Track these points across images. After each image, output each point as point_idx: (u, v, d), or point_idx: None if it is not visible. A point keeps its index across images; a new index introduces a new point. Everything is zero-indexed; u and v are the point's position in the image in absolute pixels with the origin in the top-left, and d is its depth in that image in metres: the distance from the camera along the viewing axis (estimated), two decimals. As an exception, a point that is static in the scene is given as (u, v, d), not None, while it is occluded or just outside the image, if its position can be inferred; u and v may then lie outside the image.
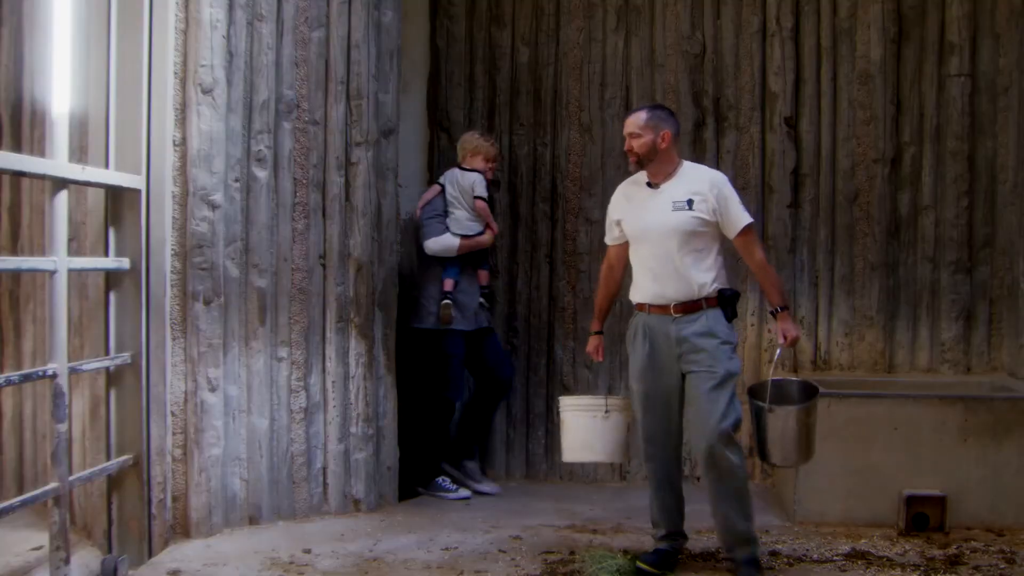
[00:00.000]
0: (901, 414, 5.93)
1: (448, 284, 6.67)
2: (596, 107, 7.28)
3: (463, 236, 6.69)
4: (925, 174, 7.00)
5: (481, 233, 6.77)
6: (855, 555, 5.42)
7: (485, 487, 6.90)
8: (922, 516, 5.82)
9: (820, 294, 7.07)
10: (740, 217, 5.04)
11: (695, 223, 4.97)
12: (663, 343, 5.05)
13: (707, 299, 5.01)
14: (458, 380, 6.83)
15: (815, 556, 5.43)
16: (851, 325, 7.05)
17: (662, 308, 5.05)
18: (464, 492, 6.78)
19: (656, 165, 5.09)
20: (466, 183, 6.73)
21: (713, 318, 5.00)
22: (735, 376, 5.00)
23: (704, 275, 5.00)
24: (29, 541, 5.20)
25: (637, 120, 5.11)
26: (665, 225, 5.01)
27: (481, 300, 6.84)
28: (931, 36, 6.99)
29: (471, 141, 6.84)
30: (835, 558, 5.37)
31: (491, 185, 6.93)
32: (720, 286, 5.05)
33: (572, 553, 5.41)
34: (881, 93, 6.99)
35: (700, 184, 5.04)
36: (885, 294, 7.02)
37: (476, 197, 6.73)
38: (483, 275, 6.91)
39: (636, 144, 5.06)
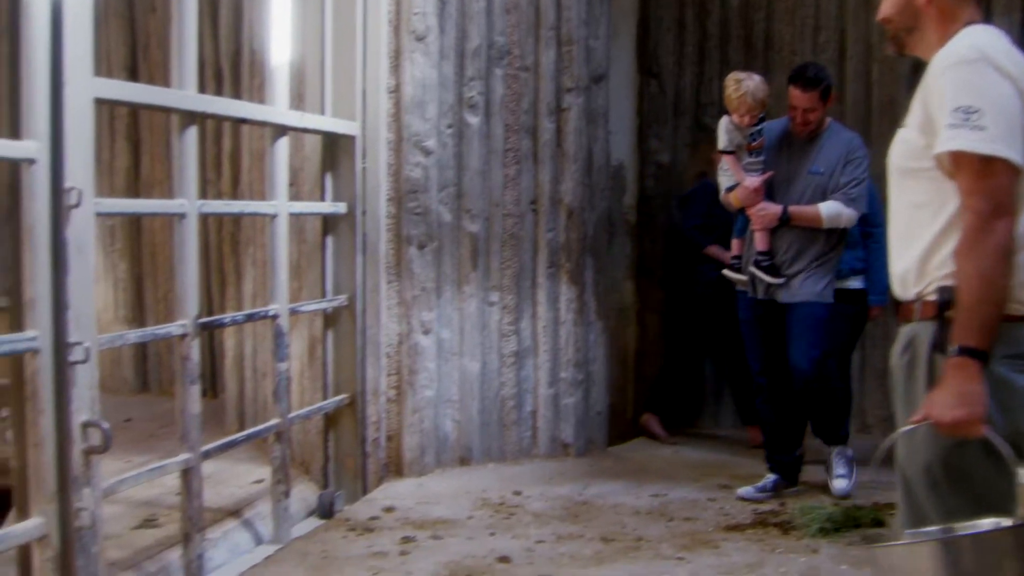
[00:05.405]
0: None
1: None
2: (809, 52, 7.01)
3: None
4: None
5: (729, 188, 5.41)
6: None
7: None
8: None
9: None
10: (944, 135, 2.44)
11: (903, 152, 2.66)
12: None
13: (924, 302, 2.58)
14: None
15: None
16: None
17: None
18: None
19: (922, 39, 2.68)
20: None
21: (922, 346, 2.57)
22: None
23: (921, 252, 2.58)
24: (251, 474, 5.43)
25: None
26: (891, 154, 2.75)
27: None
28: None
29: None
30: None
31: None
32: (944, 282, 2.51)
33: (782, 504, 5.32)
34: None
35: (927, 75, 2.58)
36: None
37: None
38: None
39: (884, 6, 2.72)
